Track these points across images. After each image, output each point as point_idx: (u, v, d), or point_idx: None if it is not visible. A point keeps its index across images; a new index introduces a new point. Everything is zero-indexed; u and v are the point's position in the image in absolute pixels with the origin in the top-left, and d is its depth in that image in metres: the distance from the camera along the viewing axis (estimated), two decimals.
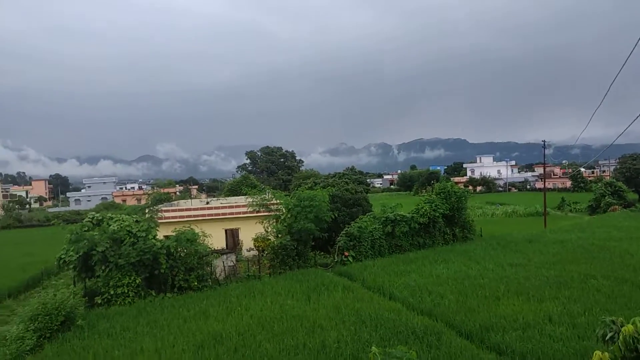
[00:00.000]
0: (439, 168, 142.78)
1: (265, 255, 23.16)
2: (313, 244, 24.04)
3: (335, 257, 23.80)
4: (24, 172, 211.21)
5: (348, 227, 24.73)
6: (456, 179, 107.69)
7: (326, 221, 23.02)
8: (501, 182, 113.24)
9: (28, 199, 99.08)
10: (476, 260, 21.24)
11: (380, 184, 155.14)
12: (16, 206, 76.47)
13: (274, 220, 23.78)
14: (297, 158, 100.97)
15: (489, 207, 59.60)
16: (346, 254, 23.69)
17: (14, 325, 15.35)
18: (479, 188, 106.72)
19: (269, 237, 23.53)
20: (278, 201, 24.18)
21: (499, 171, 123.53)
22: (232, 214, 29.36)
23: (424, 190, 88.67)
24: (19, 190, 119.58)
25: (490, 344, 11.40)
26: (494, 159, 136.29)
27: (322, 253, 26.70)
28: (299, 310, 14.73)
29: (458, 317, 13.25)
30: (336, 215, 25.67)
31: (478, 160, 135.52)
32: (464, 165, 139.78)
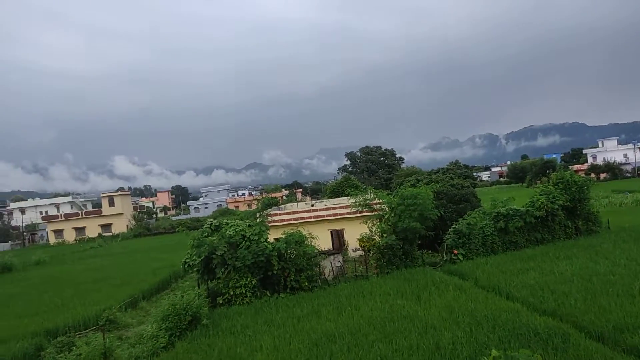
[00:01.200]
0: (554, 156, 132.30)
1: (371, 255, 23.21)
2: (419, 242, 23.58)
3: (444, 256, 23.12)
4: (149, 185, 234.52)
5: (456, 224, 23.88)
6: (575, 167, 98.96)
7: (432, 219, 22.46)
8: (629, 167, 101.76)
9: (154, 209, 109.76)
10: (604, 255, 19.33)
11: (488, 177, 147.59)
12: (145, 216, 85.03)
13: (378, 219, 23.73)
14: (397, 156, 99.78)
15: (616, 195, 53.85)
16: (455, 252, 22.90)
17: (149, 324, 17.05)
18: (602, 175, 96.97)
19: (374, 237, 23.53)
20: (381, 200, 24.09)
21: (625, 155, 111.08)
22: (336, 215, 29.87)
23: (539, 182, 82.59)
24: (146, 202, 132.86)
25: (626, 346, 10.32)
26: (619, 142, 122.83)
27: (430, 252, 26.08)
28: (409, 310, 14.56)
29: (587, 318, 12.18)
30: (442, 212, 24.93)
31: (600, 145, 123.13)
32: (584, 151, 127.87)
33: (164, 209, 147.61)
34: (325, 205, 35.10)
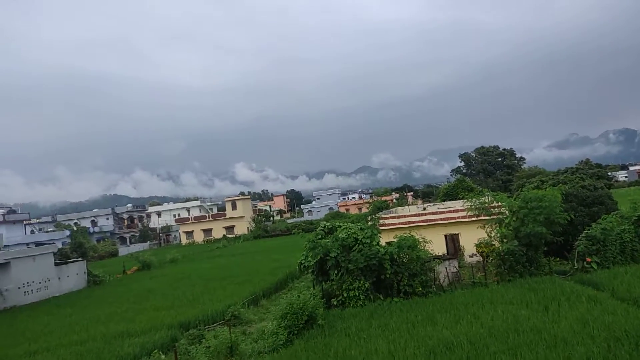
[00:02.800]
0: None
1: (490, 261, 21.97)
2: (545, 249, 21.78)
3: (575, 264, 21.09)
4: (267, 190, 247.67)
5: (588, 229, 21.66)
6: None
7: (559, 223, 20.62)
8: None
9: (271, 212, 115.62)
10: None
11: (626, 177, 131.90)
12: (263, 219, 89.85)
13: (497, 224, 22.38)
14: (517, 156, 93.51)
15: None
16: (588, 260, 20.76)
17: (269, 322, 17.92)
18: None
19: (493, 243, 22.23)
20: (500, 204, 22.71)
21: None
22: (450, 219, 28.82)
23: None
24: (264, 205, 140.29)
25: None
26: None
27: (557, 259, 23.97)
28: (535, 321, 13.50)
29: None
30: (572, 216, 22.76)
31: None
32: None
33: (280, 212, 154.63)
34: (438, 208, 34.06)
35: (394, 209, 38.83)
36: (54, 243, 52.17)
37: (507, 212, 22.13)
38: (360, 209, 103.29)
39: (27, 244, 62.51)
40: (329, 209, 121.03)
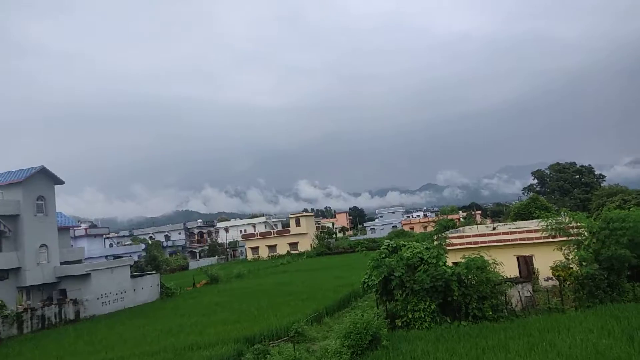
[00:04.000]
0: None
1: (567, 285, 20.66)
2: (629, 273, 20.19)
3: None
4: (329, 207, 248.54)
5: None
6: None
7: None
8: None
9: (334, 230, 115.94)
10: None
11: None
12: (326, 236, 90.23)
13: (575, 246, 21.06)
14: (595, 173, 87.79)
15: None
16: None
17: (332, 340, 17.86)
18: None
19: (571, 266, 20.90)
20: (578, 224, 21.37)
21: None
22: (523, 239, 27.47)
23: None
24: (327, 223, 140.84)
25: None
26: None
27: None
28: (618, 351, 12.49)
29: None
30: None
31: None
32: None
33: (343, 229, 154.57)
34: (509, 228, 32.60)
35: (461, 228, 37.66)
36: (130, 256, 55.40)
37: (586, 233, 20.79)
38: (425, 227, 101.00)
39: (106, 256, 66.66)
40: (393, 227, 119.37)
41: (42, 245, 35.33)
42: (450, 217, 70.58)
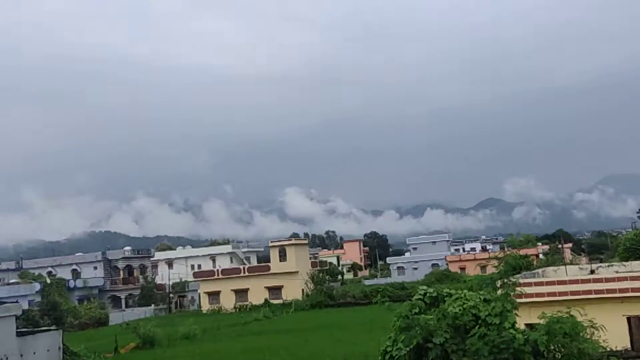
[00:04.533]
0: None
1: None
2: None
3: None
4: (333, 231, 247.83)
5: None
6: None
7: None
8: None
9: (340, 267, 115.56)
10: None
11: None
12: (327, 277, 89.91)
13: None
14: None
15: None
16: None
17: None
18: None
19: None
20: None
21: None
22: (638, 290, 27.27)
23: None
24: (329, 256, 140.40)
25: None
26: None
27: None
28: None
29: None
30: None
31: None
32: None
33: (353, 266, 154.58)
34: (616, 272, 32.45)
35: (540, 271, 37.51)
36: (17, 302, 55.06)
37: None
38: (483, 267, 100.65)
39: None
40: (433, 265, 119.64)
41: None
42: (522, 251, 70.28)
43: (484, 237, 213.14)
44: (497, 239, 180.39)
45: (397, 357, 20.42)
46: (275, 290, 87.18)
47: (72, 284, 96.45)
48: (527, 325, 21.57)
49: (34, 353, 39.83)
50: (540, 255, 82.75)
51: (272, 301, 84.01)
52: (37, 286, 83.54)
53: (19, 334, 40.05)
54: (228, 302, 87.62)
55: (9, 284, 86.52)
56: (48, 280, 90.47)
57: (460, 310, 20.28)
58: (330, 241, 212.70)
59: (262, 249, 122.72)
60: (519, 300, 24.52)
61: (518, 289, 25.21)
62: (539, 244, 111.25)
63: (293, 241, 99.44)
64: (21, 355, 38.96)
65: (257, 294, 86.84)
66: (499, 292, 23.09)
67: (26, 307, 63.92)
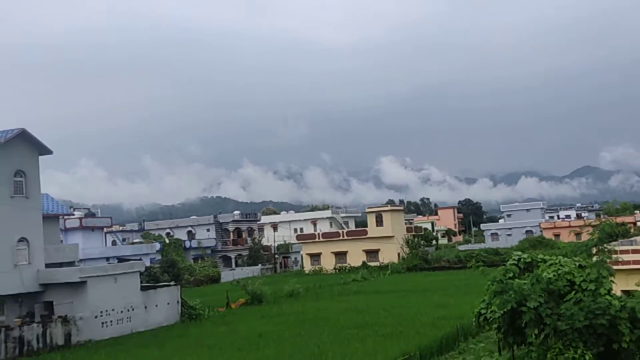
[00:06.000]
0: None
1: None
2: None
3: None
4: (427, 198, 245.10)
5: None
6: None
7: None
8: None
9: (434, 233, 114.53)
10: None
11: None
12: (422, 242, 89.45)
13: None
14: None
15: None
16: None
17: None
18: None
19: None
20: None
21: None
22: None
23: None
24: (423, 222, 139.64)
25: None
26: None
27: None
28: None
29: None
30: None
31: None
32: None
33: (447, 232, 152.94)
34: None
35: (637, 238, 35.87)
36: (140, 259, 57.40)
37: None
38: (578, 234, 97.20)
39: (108, 258, 69.82)
40: (527, 232, 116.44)
41: (22, 240, 37.53)
42: (619, 219, 67.44)
43: (579, 204, 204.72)
44: (592, 206, 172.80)
45: (491, 319, 20.30)
46: (372, 253, 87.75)
47: (187, 244, 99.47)
48: (624, 292, 20.83)
49: (156, 306, 41.74)
50: (638, 223, 78.92)
51: (369, 263, 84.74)
52: (158, 246, 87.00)
53: (143, 288, 42.00)
54: (328, 263, 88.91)
55: (133, 243, 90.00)
56: (167, 241, 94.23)
57: (554, 275, 19.96)
58: (424, 208, 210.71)
59: (360, 215, 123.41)
60: (615, 267, 23.63)
61: (614, 256, 24.35)
62: (637, 211, 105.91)
63: (389, 207, 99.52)
64: (145, 307, 40.84)
65: (356, 257, 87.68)
66: (595, 258, 22.41)
67: (148, 264, 66.91)
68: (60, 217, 48.86)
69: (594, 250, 24.81)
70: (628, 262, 26.64)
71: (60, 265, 40.57)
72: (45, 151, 39.56)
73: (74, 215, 71.97)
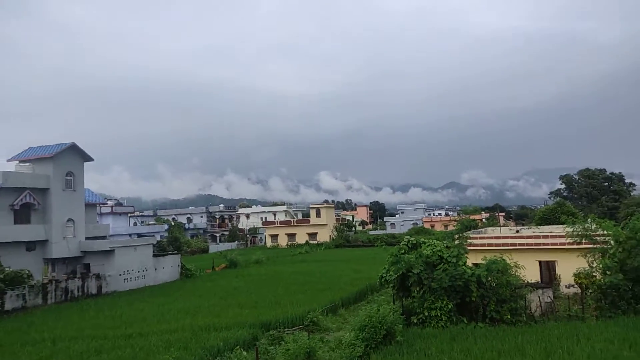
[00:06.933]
0: None
1: (589, 294, 20.27)
2: None
3: None
4: (350, 200, 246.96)
5: None
6: None
7: None
8: None
9: (354, 222, 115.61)
10: None
11: None
12: (345, 228, 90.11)
13: (600, 254, 20.62)
14: (626, 181, 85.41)
15: None
16: None
17: (347, 332, 17.96)
18: None
19: (594, 274, 20.50)
20: (605, 232, 20.89)
21: None
22: (547, 244, 27.00)
23: None
24: (347, 215, 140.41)
25: None
26: None
27: None
28: None
29: None
30: None
31: None
32: None
33: (362, 222, 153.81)
34: (533, 232, 32.04)
35: (483, 229, 37.20)
36: (153, 235, 56.49)
37: (612, 242, 20.29)
38: (446, 226, 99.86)
39: (130, 234, 68.14)
40: (413, 223, 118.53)
41: (69, 220, 36.36)
42: (472, 217, 69.30)
43: (447, 207, 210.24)
44: (455, 209, 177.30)
45: (389, 280, 20.70)
46: (312, 235, 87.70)
47: (187, 226, 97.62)
48: (474, 264, 21.62)
49: (163, 268, 40.85)
50: (484, 220, 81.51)
51: (310, 242, 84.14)
52: (166, 227, 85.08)
53: (154, 256, 41.06)
54: (283, 241, 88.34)
55: (149, 224, 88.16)
56: (172, 223, 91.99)
57: (431, 252, 20.44)
58: (348, 206, 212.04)
59: (305, 209, 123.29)
60: (469, 248, 24.54)
61: (469, 240, 25.23)
62: (483, 212, 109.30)
63: (325, 205, 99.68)
64: (155, 269, 39.98)
65: (301, 237, 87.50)
66: (456, 242, 23.18)
67: (159, 239, 65.31)
68: (97, 205, 47.29)
69: (456, 236, 25.66)
70: (476, 245, 27.66)
71: (96, 238, 39.25)
72: (88, 158, 38.56)
73: (107, 203, 69.99)
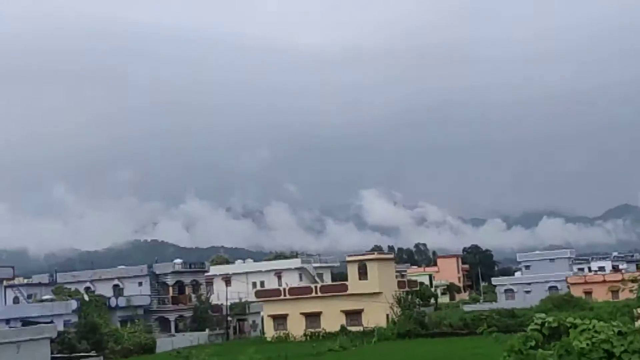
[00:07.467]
0: None
1: None
2: None
3: None
4: (424, 244, 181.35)
5: None
6: None
7: None
8: None
9: (433, 289, 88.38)
10: None
11: None
12: (416, 300, 65.00)
13: None
14: None
15: None
16: None
17: None
18: None
19: None
20: None
21: None
22: None
23: None
24: (419, 274, 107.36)
25: None
26: None
27: None
28: None
29: None
30: None
31: None
32: None
33: (449, 288, 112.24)
34: None
35: None
36: (51, 322, 41.53)
37: None
38: (616, 291, 67.96)
39: (8, 320, 49.24)
40: (550, 287, 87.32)
41: None
42: None
43: (615, 253, 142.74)
44: (632, 255, 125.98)
45: None
46: (353, 315, 60.61)
47: (113, 302, 68.56)
48: None
49: None
50: None
51: (349, 328, 59.68)
52: (74, 304, 60.22)
53: None
54: (297, 328, 60.84)
55: (42, 300, 63.11)
56: (86, 298, 67.52)
57: (588, 345, 13.50)
58: (420, 256, 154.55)
59: (338, 264, 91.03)
60: None
61: None
62: None
63: (375, 255, 69.49)
64: None
65: (332, 319, 59.95)
66: (638, 323, 14.16)
67: (61, 328, 48.43)
68: None
69: (638, 311, 16.31)
70: None
71: None
72: None
73: None
